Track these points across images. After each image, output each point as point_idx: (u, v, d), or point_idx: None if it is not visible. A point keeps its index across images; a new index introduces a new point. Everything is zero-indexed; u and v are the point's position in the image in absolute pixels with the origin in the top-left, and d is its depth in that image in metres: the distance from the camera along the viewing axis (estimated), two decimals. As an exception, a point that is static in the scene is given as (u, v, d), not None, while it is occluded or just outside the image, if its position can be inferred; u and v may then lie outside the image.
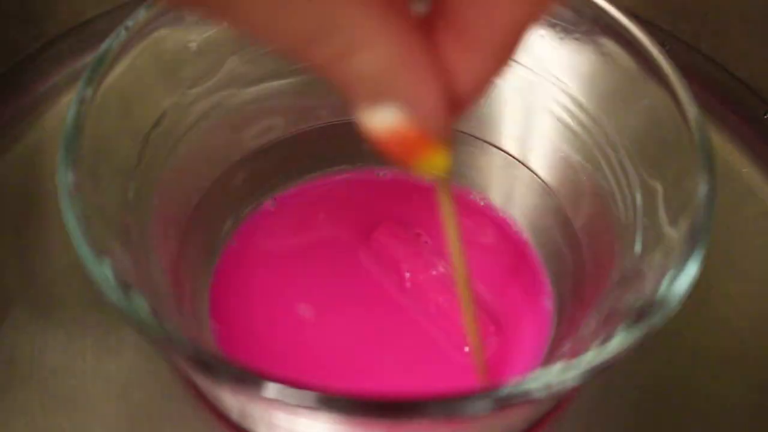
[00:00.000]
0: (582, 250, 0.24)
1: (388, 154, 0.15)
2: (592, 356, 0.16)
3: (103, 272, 0.16)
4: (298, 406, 0.15)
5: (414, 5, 0.15)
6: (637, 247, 0.20)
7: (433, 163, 0.16)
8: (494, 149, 0.26)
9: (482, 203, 0.27)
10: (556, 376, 0.16)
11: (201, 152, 0.24)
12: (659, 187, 0.20)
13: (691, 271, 0.17)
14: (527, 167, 0.26)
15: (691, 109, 0.19)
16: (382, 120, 0.15)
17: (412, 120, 0.14)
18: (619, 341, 0.16)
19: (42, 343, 0.25)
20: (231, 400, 0.20)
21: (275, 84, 0.25)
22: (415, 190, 0.27)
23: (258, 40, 0.14)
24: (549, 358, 0.23)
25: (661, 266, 0.18)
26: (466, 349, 0.24)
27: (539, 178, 0.25)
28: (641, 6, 0.34)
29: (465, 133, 0.26)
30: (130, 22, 0.20)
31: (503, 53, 0.15)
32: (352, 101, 0.15)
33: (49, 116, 0.31)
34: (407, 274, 0.25)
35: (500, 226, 0.27)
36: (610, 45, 0.21)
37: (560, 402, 0.23)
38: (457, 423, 0.16)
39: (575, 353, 0.16)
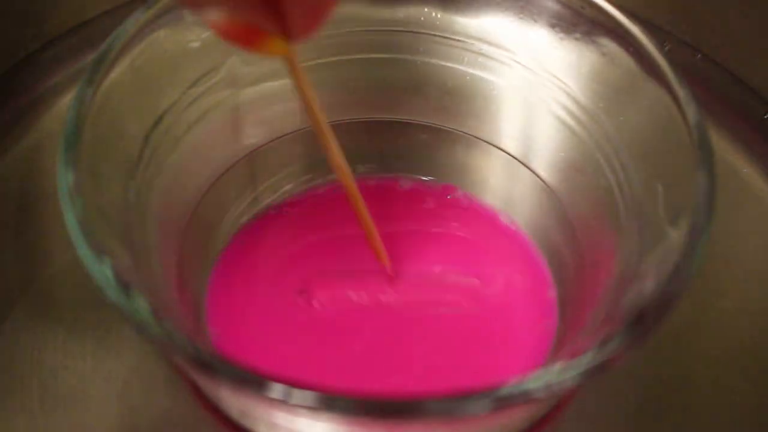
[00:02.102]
0: (582, 250, 0.24)
1: (233, 43, 0.18)
2: (592, 356, 0.16)
3: (103, 272, 0.16)
4: (299, 406, 0.15)
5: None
6: (637, 247, 0.20)
7: (273, 48, 0.19)
8: (494, 149, 0.26)
9: (482, 204, 0.27)
10: (556, 376, 0.16)
11: (201, 152, 0.24)
12: (659, 187, 0.20)
13: (691, 271, 0.17)
14: (527, 167, 0.26)
15: (691, 109, 0.19)
16: (210, 18, 0.18)
17: (234, 18, 0.18)
18: (619, 341, 0.16)
19: (42, 343, 0.25)
20: (231, 400, 0.21)
21: (275, 84, 0.25)
22: (411, 194, 0.27)
23: None
24: (549, 358, 0.23)
25: (661, 266, 0.18)
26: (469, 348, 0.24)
27: (539, 178, 0.25)
28: (641, 6, 0.34)
29: (465, 133, 0.27)
30: (130, 22, 0.20)
31: None
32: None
33: (49, 116, 0.31)
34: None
35: (501, 226, 0.27)
36: (610, 45, 0.22)
37: (560, 402, 0.23)
38: (457, 423, 0.16)
39: (575, 353, 0.16)
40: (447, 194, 0.27)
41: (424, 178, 0.28)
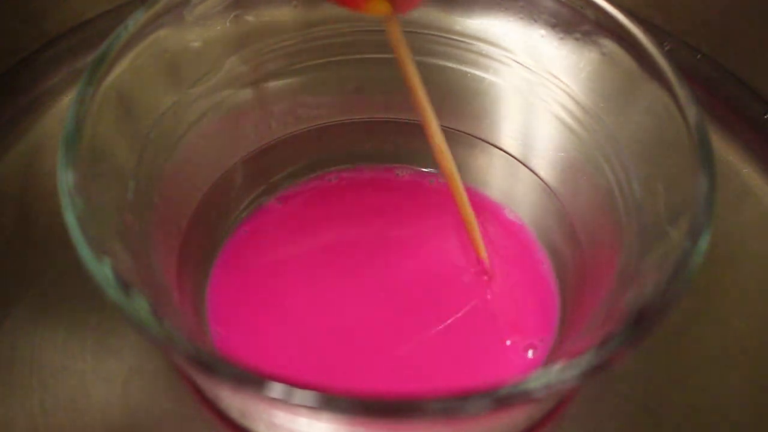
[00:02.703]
0: (582, 250, 0.24)
1: (340, 3, 0.20)
2: (592, 356, 0.16)
3: (103, 272, 0.16)
4: (299, 405, 0.15)
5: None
6: (637, 247, 0.20)
7: (375, 6, 0.20)
8: (494, 149, 0.26)
9: (483, 203, 0.27)
10: (556, 376, 0.16)
11: (201, 152, 0.24)
12: (659, 187, 0.20)
13: (691, 271, 0.17)
14: (527, 167, 0.26)
15: (691, 109, 0.19)
16: None
17: None
18: (619, 341, 0.16)
19: (42, 343, 0.25)
20: (231, 400, 0.21)
21: (275, 84, 0.25)
22: (415, 189, 0.27)
23: None
24: (549, 358, 0.23)
25: (661, 266, 0.18)
26: (467, 349, 0.24)
27: (539, 178, 0.25)
28: (641, 6, 0.34)
29: (465, 133, 0.27)
30: (130, 22, 0.20)
31: None
32: None
33: (49, 116, 0.31)
34: None
35: (501, 226, 0.27)
36: (610, 45, 0.22)
37: (560, 402, 0.23)
38: (457, 423, 0.16)
39: (575, 353, 0.16)
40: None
41: (424, 170, 0.28)
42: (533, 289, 0.25)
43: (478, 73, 0.25)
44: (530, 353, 0.24)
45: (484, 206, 0.27)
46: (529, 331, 0.24)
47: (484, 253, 0.25)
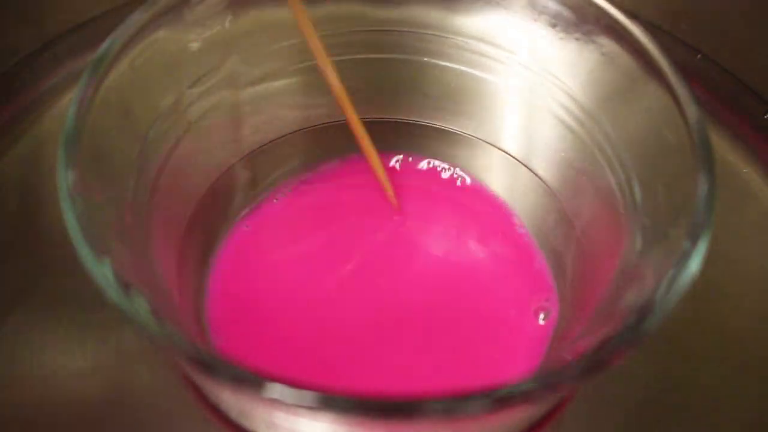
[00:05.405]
0: (582, 250, 0.24)
1: None
2: (592, 356, 0.16)
3: (103, 272, 0.16)
4: (298, 406, 0.15)
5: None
6: (638, 247, 0.20)
7: None
8: (494, 149, 0.26)
9: (484, 203, 0.27)
10: (556, 376, 0.16)
11: (201, 152, 0.24)
12: (659, 187, 0.20)
13: (691, 271, 0.17)
14: (527, 167, 0.26)
15: (691, 109, 0.19)
16: None
17: None
18: (619, 341, 0.16)
19: (42, 343, 0.25)
20: (231, 400, 0.21)
21: (275, 84, 0.25)
22: (415, 189, 0.27)
23: None
24: (549, 358, 0.23)
25: (661, 266, 0.18)
26: (468, 351, 0.24)
27: (539, 178, 0.25)
28: (641, 6, 0.34)
29: (465, 133, 0.27)
30: (130, 22, 0.20)
31: None
32: None
33: (49, 116, 0.31)
34: None
35: (501, 225, 0.27)
36: (610, 45, 0.22)
37: (560, 402, 0.23)
38: (457, 423, 0.16)
39: (575, 353, 0.16)
40: (453, 179, 0.27)
41: (424, 171, 0.28)
42: (531, 290, 0.25)
43: (478, 73, 0.25)
44: (528, 353, 0.24)
45: (480, 206, 0.27)
46: (527, 332, 0.24)
47: (391, 192, 0.26)
